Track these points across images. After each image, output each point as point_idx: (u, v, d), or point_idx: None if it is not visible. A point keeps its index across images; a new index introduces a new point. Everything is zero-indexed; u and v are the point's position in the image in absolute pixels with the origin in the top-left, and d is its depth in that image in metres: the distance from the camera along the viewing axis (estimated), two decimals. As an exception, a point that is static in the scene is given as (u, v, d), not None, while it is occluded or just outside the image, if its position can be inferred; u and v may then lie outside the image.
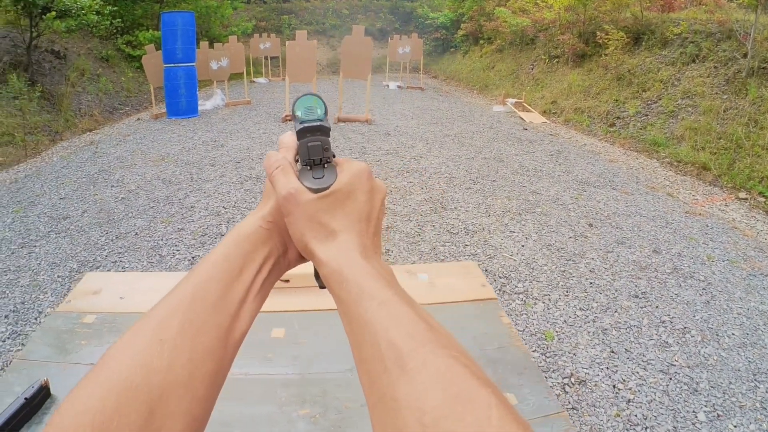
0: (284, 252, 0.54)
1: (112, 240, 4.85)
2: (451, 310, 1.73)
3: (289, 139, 0.57)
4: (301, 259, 0.55)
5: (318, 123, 0.53)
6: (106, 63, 12.78)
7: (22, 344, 3.41)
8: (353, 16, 21.67)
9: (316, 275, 0.53)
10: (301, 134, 0.52)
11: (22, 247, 4.76)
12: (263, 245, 0.52)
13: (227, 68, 11.95)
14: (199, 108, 10.83)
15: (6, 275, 4.29)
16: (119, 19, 13.27)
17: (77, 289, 1.77)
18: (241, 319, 0.48)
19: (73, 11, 10.15)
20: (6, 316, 3.74)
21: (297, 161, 0.55)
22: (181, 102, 10.28)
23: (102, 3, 12.39)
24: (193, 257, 4.48)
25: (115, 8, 13.13)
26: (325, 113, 0.55)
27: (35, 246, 4.77)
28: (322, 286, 0.52)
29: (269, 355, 1.46)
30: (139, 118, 10.56)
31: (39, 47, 10.53)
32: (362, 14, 21.95)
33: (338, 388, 1.27)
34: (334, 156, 0.53)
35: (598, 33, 11.07)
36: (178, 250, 4.60)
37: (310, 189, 0.50)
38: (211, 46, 12.08)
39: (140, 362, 0.40)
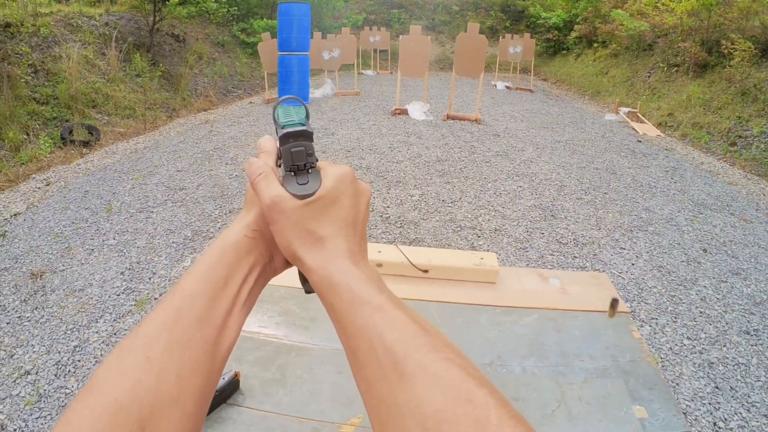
0: (270, 260, 0.54)
1: (225, 214, 5.22)
2: (584, 317, 1.77)
3: (268, 143, 0.58)
4: (288, 265, 0.56)
5: (301, 128, 0.52)
6: (221, 48, 13.61)
7: (135, 300, 3.79)
8: (463, 13, 21.56)
9: (302, 280, 0.54)
10: (283, 140, 0.52)
11: (140, 212, 5.24)
12: (248, 255, 0.52)
13: (338, 59, 12.32)
14: (310, 95, 11.26)
15: (124, 236, 4.76)
16: (235, 8, 14.07)
17: None
18: (227, 330, 0.48)
19: (194, -1, 10.93)
20: (122, 273, 4.16)
21: (279, 166, 0.55)
22: (293, 89, 10.72)
23: (220, -8, 13.15)
24: None
25: (232, -3, 13.87)
26: (307, 117, 0.55)
27: (152, 212, 5.24)
28: (308, 291, 0.53)
29: None
30: (251, 102, 11.16)
31: (161, 31, 11.44)
32: (472, 11, 21.77)
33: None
34: (317, 160, 0.53)
35: (722, 42, 10.48)
36: None
37: (295, 195, 0.50)
38: (323, 36, 12.49)
39: (129, 382, 0.40)
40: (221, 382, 1.25)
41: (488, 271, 1.85)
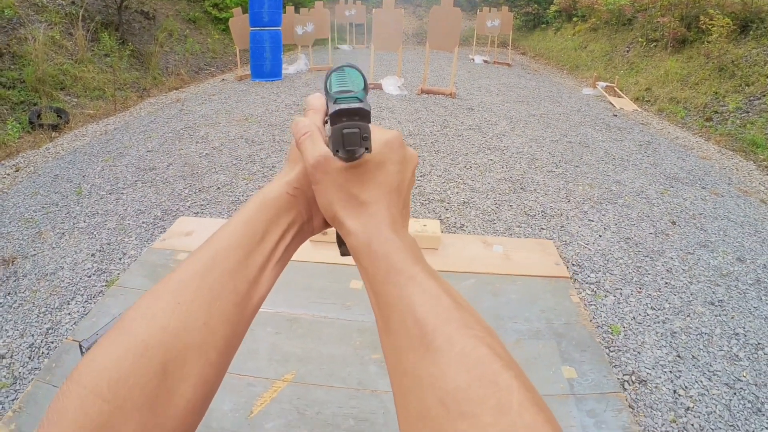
0: (309, 219, 0.54)
1: (195, 192, 5.16)
2: (522, 282, 1.79)
3: (317, 101, 0.56)
4: (326, 225, 0.55)
5: (358, 104, 0.46)
6: (192, 24, 13.28)
7: (106, 281, 3.77)
8: (443, -15, 21.29)
9: (339, 242, 0.54)
10: (335, 118, 0.45)
11: (110, 194, 5.16)
12: (287, 212, 0.51)
13: (312, 33, 12.11)
14: (283, 71, 11.07)
15: (95, 218, 4.71)
16: None
17: (171, 229, 1.98)
18: (259, 285, 0.48)
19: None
20: (92, 255, 4.13)
21: (326, 123, 0.52)
22: (265, 65, 10.58)
23: (190, -34, 12.78)
24: None
25: (203, -30, 13.49)
26: (365, 90, 0.51)
27: (122, 193, 5.16)
28: (344, 254, 0.53)
29: (348, 303, 1.60)
30: (223, 79, 10.95)
31: (129, 8, 11.12)
32: (452, -17, 21.53)
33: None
34: (371, 144, 0.47)
35: (701, 17, 10.36)
36: None
37: (340, 157, 0.47)
38: (296, 11, 12.22)
39: (157, 324, 0.41)
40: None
41: (430, 238, 1.86)
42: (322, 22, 12.47)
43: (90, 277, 3.83)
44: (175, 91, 9.91)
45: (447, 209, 5.04)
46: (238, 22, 10.53)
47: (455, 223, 4.78)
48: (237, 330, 0.46)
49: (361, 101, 0.47)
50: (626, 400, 2.80)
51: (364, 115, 0.45)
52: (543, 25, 18.83)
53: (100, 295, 3.63)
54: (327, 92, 0.51)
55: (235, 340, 0.46)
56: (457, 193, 5.40)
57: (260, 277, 0.48)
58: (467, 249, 1.95)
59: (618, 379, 3.01)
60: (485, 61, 14.79)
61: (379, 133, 0.50)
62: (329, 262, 1.86)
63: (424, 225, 1.91)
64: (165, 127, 7.27)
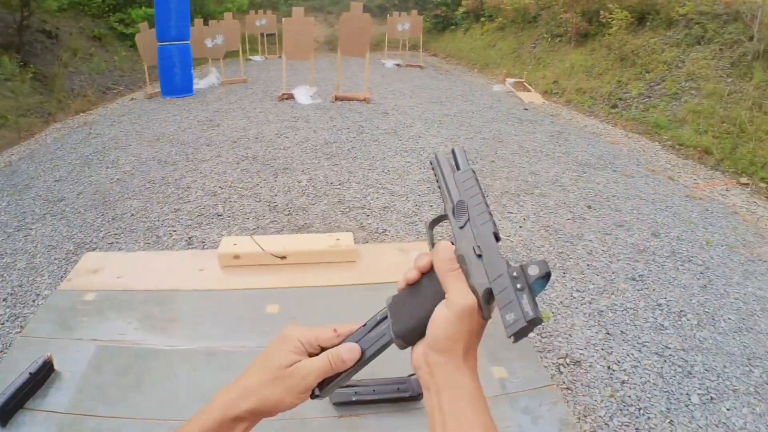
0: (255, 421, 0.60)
1: (108, 221, 4.83)
2: None
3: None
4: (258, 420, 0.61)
5: (539, 320, 0.50)
6: (98, 42, 12.63)
7: (21, 326, 3.43)
8: (352, -8, 21.31)
9: (320, 385, 0.62)
10: (523, 331, 0.50)
11: (18, 231, 4.74)
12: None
13: (222, 46, 11.77)
14: (194, 87, 10.69)
15: (3, 259, 4.29)
16: None
17: (77, 268, 1.80)
18: None
19: (64, -11, 10.05)
20: (4, 299, 3.76)
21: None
22: (175, 81, 10.14)
23: (93, -20, 12.17)
24: (189, 237, 4.46)
25: (108, -15, 12.89)
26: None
27: (31, 229, 4.76)
28: (314, 397, 0.61)
29: (265, 329, 1.50)
30: (133, 98, 10.43)
31: (30, 27, 10.38)
32: (362, -10, 21.59)
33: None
34: None
35: (601, 12, 10.84)
36: (174, 231, 4.59)
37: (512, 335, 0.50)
38: (205, 23, 11.84)
39: None
40: (35, 365, 1.23)
41: (346, 251, 1.84)
42: (232, 34, 12.13)
43: (3, 324, 3.47)
44: (82, 113, 9.31)
45: (368, 215, 4.95)
46: (145, 38, 10.05)
47: (377, 228, 4.69)
48: None
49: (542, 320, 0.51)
50: (560, 390, 2.80)
51: (537, 324, 0.50)
52: (452, 27, 19.15)
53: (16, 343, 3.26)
54: (530, 291, 0.51)
55: None
56: (377, 198, 5.32)
57: None
58: (384, 258, 1.91)
59: (553, 363, 3.04)
60: (398, 65, 14.86)
61: None
62: (241, 288, 1.73)
63: (337, 239, 1.86)
64: (73, 154, 6.80)
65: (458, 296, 0.54)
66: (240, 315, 1.57)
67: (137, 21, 12.28)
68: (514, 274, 0.53)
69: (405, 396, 1.17)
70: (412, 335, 0.60)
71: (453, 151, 0.68)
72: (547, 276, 0.52)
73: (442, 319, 0.55)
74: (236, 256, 1.78)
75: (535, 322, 0.49)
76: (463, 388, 0.54)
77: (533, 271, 0.52)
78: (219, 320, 1.55)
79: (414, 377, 1.16)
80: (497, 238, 0.58)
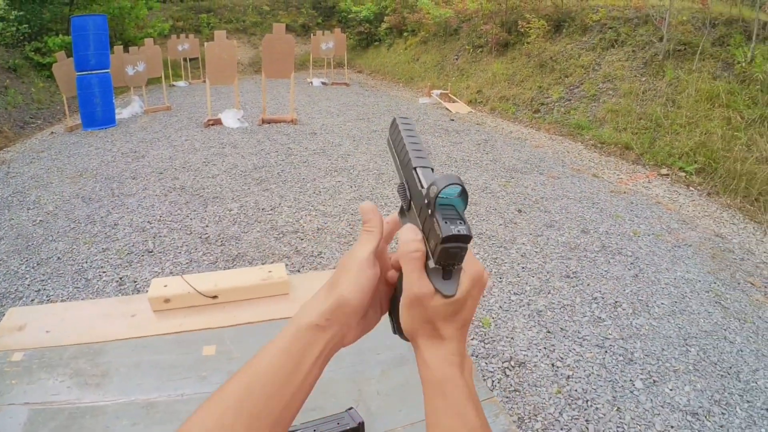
0: (342, 337, 0.55)
1: (33, 267, 4.49)
2: None
3: (411, 230, 0.53)
4: (358, 337, 0.59)
5: (466, 232, 0.47)
6: (13, 73, 11.98)
7: None
8: (274, 13, 21.11)
9: (397, 331, 0.58)
10: (447, 239, 0.48)
11: None
12: (321, 337, 0.53)
13: (144, 73, 11.36)
14: (117, 117, 10.26)
15: None
16: (26, 25, 12.50)
17: (1, 326, 1.65)
18: (293, 404, 0.51)
19: (-25, 18, 9.49)
20: None
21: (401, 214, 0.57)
22: (96, 112, 9.67)
23: (6, 8, 11.56)
24: (120, 278, 4.20)
25: (21, 13, 12.35)
26: (465, 205, 0.52)
27: None
28: (404, 338, 0.57)
29: (203, 373, 1.43)
30: (53, 132, 9.92)
31: None
32: (284, 10, 21.44)
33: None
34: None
35: (519, 22, 11.21)
36: (104, 272, 4.31)
37: (438, 291, 0.49)
38: (126, 50, 11.43)
39: None
40: None
41: (278, 284, 1.78)
42: (153, 60, 11.77)
43: None
44: None
45: (302, 239, 4.82)
46: (63, 67, 9.53)
47: (312, 251, 4.57)
48: None
49: (466, 224, 0.48)
50: (500, 402, 2.78)
51: (467, 240, 0.48)
52: (376, 43, 19.36)
53: None
54: (432, 202, 0.50)
55: None
56: (310, 220, 5.20)
57: (294, 399, 0.51)
58: (317, 286, 1.77)
59: (498, 367, 3.04)
60: (324, 83, 14.83)
61: (469, 269, 0.51)
62: (175, 332, 1.62)
63: (269, 271, 1.80)
64: None
65: (406, 284, 0.51)
66: (175, 361, 1.48)
67: (54, 50, 11.73)
68: (425, 201, 0.51)
69: (346, 430, 1.13)
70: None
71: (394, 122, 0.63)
72: (457, 188, 0.50)
73: (401, 309, 0.54)
74: (167, 300, 1.71)
75: (451, 239, 0.47)
76: (428, 382, 0.53)
77: (432, 192, 0.50)
78: (154, 369, 1.45)
79: (351, 410, 1.16)
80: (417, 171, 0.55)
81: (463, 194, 0.50)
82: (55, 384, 1.42)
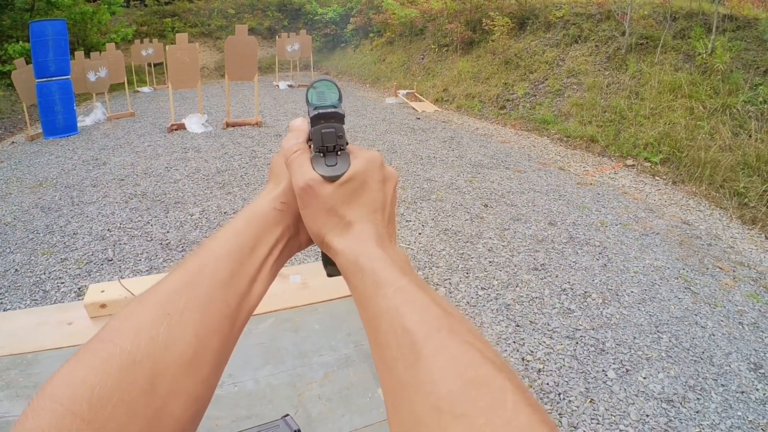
0: (296, 233, 0.53)
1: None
2: (324, 309, 1.63)
3: (300, 123, 0.56)
4: (311, 242, 0.54)
5: (332, 109, 0.51)
6: None
7: None
8: (240, 16, 20.87)
9: (325, 263, 0.54)
10: (314, 120, 0.51)
11: None
12: (275, 226, 0.50)
13: (107, 79, 11.08)
14: (79, 124, 9.97)
15: None
16: None
17: None
18: (250, 298, 0.47)
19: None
20: None
21: (309, 147, 0.53)
22: (57, 119, 9.38)
23: (-36, 14, 11.20)
24: (79, 288, 4.03)
25: (-21, 19, 11.99)
26: (339, 99, 0.53)
27: None
28: (330, 274, 0.54)
29: None
30: (13, 142, 9.60)
31: None
32: (249, 13, 21.24)
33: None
34: (347, 143, 0.52)
35: (484, 20, 11.26)
36: (62, 283, 4.13)
37: (323, 176, 0.48)
38: (87, 55, 11.14)
39: (145, 335, 0.38)
40: None
41: None
42: (116, 66, 11.48)
43: None
44: None
45: (264, 240, 4.71)
46: (22, 75, 9.24)
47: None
48: (227, 344, 0.44)
49: (335, 107, 0.51)
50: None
51: (338, 118, 0.50)
52: (342, 44, 19.33)
53: None
54: (308, 103, 0.53)
55: (225, 355, 0.44)
56: (272, 221, 5.09)
57: (250, 290, 0.47)
58: (276, 285, 1.67)
59: None
60: (290, 86, 14.70)
61: (359, 153, 0.51)
62: None
63: None
64: None
65: (293, 181, 0.50)
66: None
67: (14, 57, 11.41)
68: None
69: None
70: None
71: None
72: (312, 85, 0.54)
73: (300, 212, 0.51)
74: (103, 305, 1.61)
75: (319, 118, 0.50)
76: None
77: (307, 94, 0.53)
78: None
79: (288, 417, 1.08)
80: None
81: (331, 86, 0.53)
82: (-18, 397, 1.31)
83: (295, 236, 0.53)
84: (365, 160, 0.50)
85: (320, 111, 0.50)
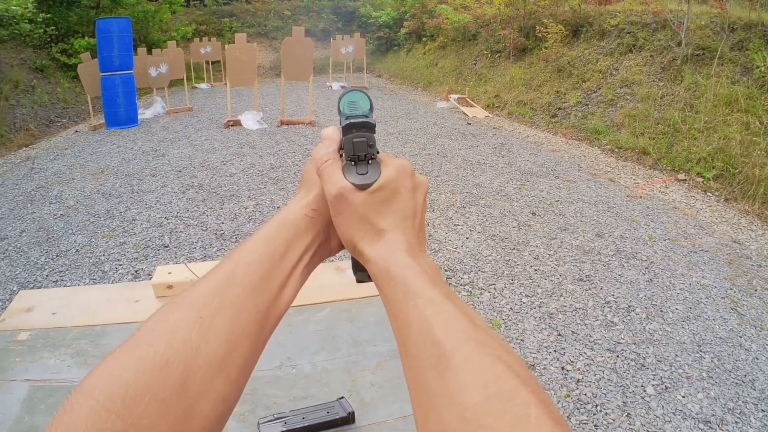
0: (326, 240, 0.54)
1: (52, 259, 4.58)
2: (378, 303, 1.65)
3: (331, 132, 0.57)
4: (342, 247, 0.55)
5: (363, 119, 0.52)
6: (40, 73, 12.15)
7: None
8: (295, 17, 21.24)
9: (355, 269, 0.56)
10: (346, 130, 0.52)
11: None
12: (306, 233, 0.52)
13: (167, 75, 11.48)
14: (139, 117, 10.40)
15: None
16: (53, 27, 12.64)
17: (11, 307, 1.71)
18: (279, 303, 0.48)
19: (4, 20, 9.63)
20: None
21: (341, 156, 0.55)
22: (119, 111, 9.82)
23: (34, 11, 11.77)
24: (136, 271, 4.27)
25: (49, 15, 12.50)
26: (371, 109, 0.55)
27: None
28: (359, 280, 0.56)
29: None
30: (77, 131, 10.10)
31: None
32: (304, 15, 21.60)
33: (267, 384, 1.27)
34: (378, 152, 0.53)
35: (537, 27, 11.20)
36: (120, 265, 4.38)
37: (354, 185, 0.50)
38: (149, 52, 11.56)
39: (178, 338, 0.40)
40: None
41: None
42: (176, 62, 11.91)
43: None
44: (24, 148, 8.91)
45: (315, 235, 4.87)
46: (88, 68, 9.70)
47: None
48: (256, 347, 0.46)
49: (366, 117, 0.53)
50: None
51: (370, 127, 0.52)
52: (395, 48, 19.45)
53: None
54: (340, 112, 0.55)
55: (254, 358, 0.46)
56: (324, 220, 5.25)
57: (280, 295, 0.48)
58: (320, 278, 1.85)
59: None
60: (343, 87, 14.87)
61: (390, 161, 0.52)
62: None
63: None
64: (15, 190, 6.49)
65: (325, 191, 0.52)
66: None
67: (80, 51, 11.89)
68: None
69: (336, 419, 1.14)
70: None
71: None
72: (344, 94, 0.56)
73: (333, 220, 0.53)
74: (169, 286, 1.74)
75: (351, 128, 0.51)
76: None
77: (339, 104, 0.55)
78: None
79: (342, 399, 1.16)
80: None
81: (362, 96, 0.56)
82: (57, 363, 1.45)
83: (326, 242, 0.55)
84: (396, 168, 0.52)
85: (352, 120, 0.52)
